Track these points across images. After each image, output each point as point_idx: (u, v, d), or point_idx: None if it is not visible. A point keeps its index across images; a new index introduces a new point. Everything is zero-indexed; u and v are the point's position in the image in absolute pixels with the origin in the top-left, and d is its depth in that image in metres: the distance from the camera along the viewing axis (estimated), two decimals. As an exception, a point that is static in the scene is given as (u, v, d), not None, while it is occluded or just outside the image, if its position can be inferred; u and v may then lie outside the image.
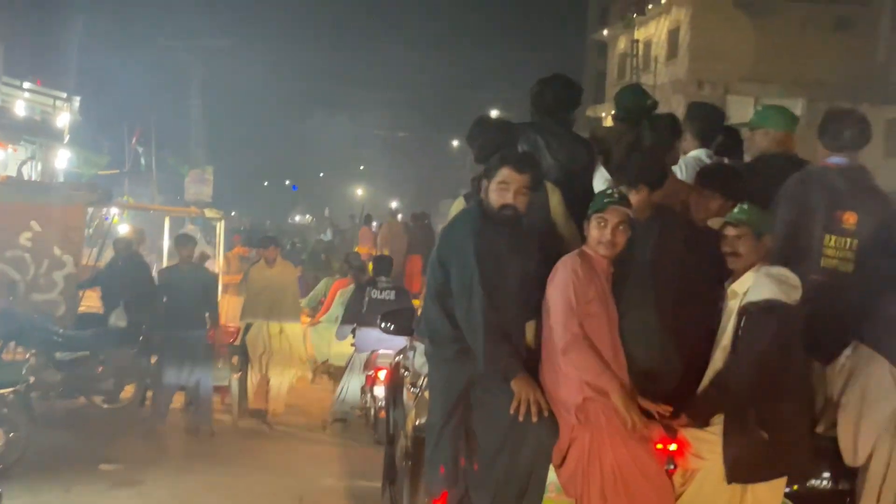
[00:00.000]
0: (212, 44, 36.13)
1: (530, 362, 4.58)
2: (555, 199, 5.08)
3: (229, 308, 13.15)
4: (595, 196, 4.70)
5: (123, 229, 14.97)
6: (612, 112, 6.08)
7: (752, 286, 4.48)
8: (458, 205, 5.43)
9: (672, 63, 34.67)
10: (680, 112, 6.54)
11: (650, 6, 35.52)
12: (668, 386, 4.56)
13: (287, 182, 75.20)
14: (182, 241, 11.08)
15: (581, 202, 4.82)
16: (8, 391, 8.36)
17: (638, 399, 4.36)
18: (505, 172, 4.66)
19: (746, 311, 4.45)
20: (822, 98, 32.11)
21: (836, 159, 5.07)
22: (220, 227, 14.95)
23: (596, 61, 46.45)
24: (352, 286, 13.04)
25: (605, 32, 41.04)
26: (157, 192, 21.09)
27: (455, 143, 54.75)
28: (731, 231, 4.63)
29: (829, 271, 4.94)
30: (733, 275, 4.65)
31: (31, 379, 9.09)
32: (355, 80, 52.94)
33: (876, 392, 4.59)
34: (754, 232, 4.58)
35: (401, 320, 7.15)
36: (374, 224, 25.33)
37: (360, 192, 63.80)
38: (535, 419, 4.37)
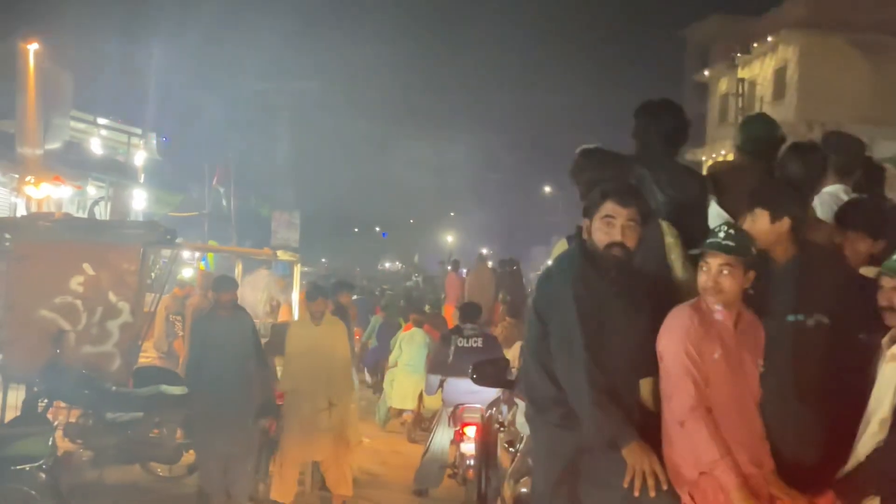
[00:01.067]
0: (301, 85, 35.61)
1: (649, 427, 4.06)
2: (670, 239, 4.51)
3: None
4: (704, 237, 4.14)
5: (188, 273, 13.86)
6: (736, 144, 5.32)
7: None
8: (561, 247, 4.93)
9: (779, 104, 33.01)
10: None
11: (755, 44, 33.88)
12: (811, 461, 4.08)
13: (377, 229, 76.70)
14: (221, 285, 8.81)
15: (698, 243, 4.22)
16: (30, 466, 7.15)
17: (773, 481, 3.89)
18: (609, 206, 4.21)
19: None
20: (942, 141, 30.46)
21: None
22: (297, 272, 13.66)
23: (695, 104, 44.96)
24: (415, 331, 13.04)
25: (707, 73, 39.43)
26: (235, 235, 20.09)
27: (547, 188, 53.78)
28: (889, 282, 4.04)
29: None
30: (892, 332, 3.99)
31: (59, 451, 7.85)
32: (446, 123, 52.30)
33: None
34: None
35: (492, 370, 6.59)
36: (463, 270, 24.31)
37: (449, 238, 63.54)
38: (652, 493, 3.89)
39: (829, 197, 5.23)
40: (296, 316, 12.00)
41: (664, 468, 3.95)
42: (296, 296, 13.45)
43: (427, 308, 13.67)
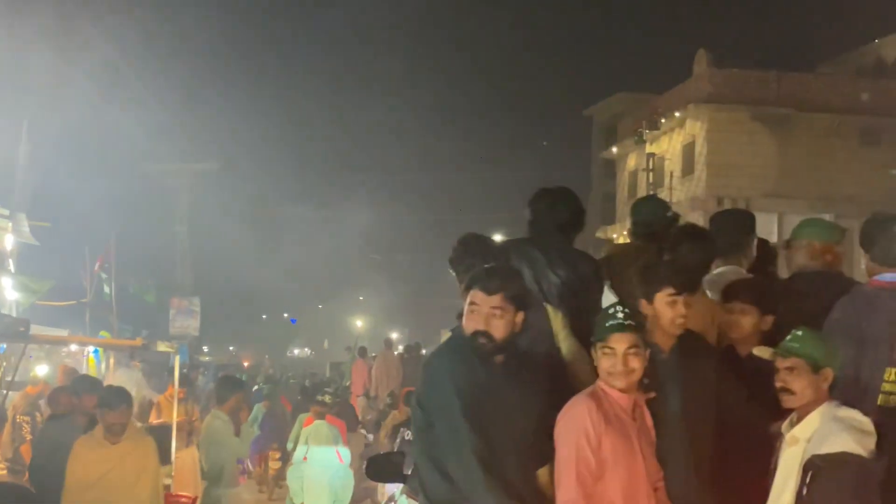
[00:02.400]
0: (197, 167, 34.06)
1: None
2: (557, 323, 4.53)
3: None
4: (597, 320, 4.04)
5: (43, 370, 12.20)
6: (627, 228, 5.65)
7: (819, 433, 3.86)
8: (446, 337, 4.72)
9: (689, 179, 32.75)
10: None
11: (663, 120, 33.67)
12: None
13: (286, 315, 74.59)
14: (107, 400, 6.80)
15: (591, 326, 4.16)
16: None
17: None
18: (473, 294, 4.10)
19: (814, 465, 3.78)
20: (851, 215, 30.34)
21: (890, 276, 4.45)
22: (176, 364, 11.91)
23: (604, 181, 44.85)
24: (319, 423, 12.36)
25: (614, 150, 39.19)
26: (117, 323, 18.38)
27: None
28: (783, 363, 4.02)
29: (890, 411, 4.27)
30: (790, 415, 4.04)
31: None
32: (353, 204, 51.26)
33: None
34: (811, 364, 3.94)
35: (385, 463, 5.95)
36: (373, 356, 23.57)
37: (359, 323, 62.45)
38: None
39: (719, 277, 5.18)
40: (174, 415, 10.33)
41: None
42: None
43: (327, 398, 12.61)
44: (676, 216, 5.60)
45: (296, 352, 74.88)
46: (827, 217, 30.11)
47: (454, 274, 4.77)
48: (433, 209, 61.66)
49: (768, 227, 31.53)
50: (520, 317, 4.11)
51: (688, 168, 32.99)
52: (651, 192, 32.93)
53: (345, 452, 12.50)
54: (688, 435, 4.17)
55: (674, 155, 33.90)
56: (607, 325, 3.93)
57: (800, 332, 4.06)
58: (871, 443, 3.82)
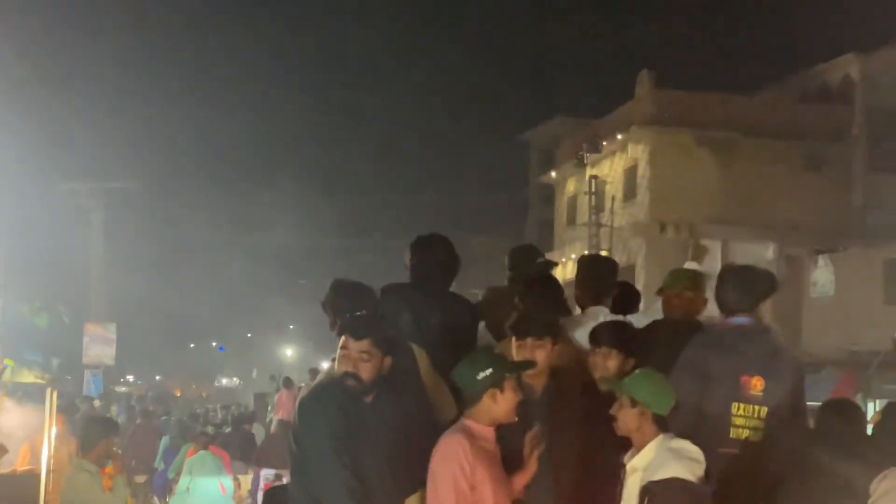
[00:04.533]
0: (114, 186, 31.96)
1: None
2: (422, 363, 4.89)
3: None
4: (490, 359, 4.41)
5: None
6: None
7: (653, 462, 4.27)
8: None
9: (630, 203, 31.73)
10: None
11: (604, 143, 32.65)
12: None
13: (214, 343, 73.48)
14: None
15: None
16: None
17: None
18: (343, 339, 4.51)
19: (649, 490, 4.21)
20: (796, 242, 29.64)
21: (738, 319, 4.97)
22: (51, 399, 10.08)
23: (541, 208, 43.79)
24: (203, 454, 12.68)
25: (553, 174, 38.05)
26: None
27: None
28: (619, 396, 4.43)
29: (739, 442, 4.79)
30: (631, 448, 4.44)
31: None
32: (280, 228, 49.60)
33: None
34: (630, 400, 4.37)
35: (283, 497, 5.76)
36: (299, 387, 22.19)
37: (289, 352, 60.84)
38: None
39: (590, 315, 5.55)
40: (42, 461, 8.51)
41: None
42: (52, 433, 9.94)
43: (210, 428, 13.77)
44: (548, 264, 6.02)
45: (224, 381, 73.01)
46: (771, 246, 29.85)
47: (328, 317, 5.13)
48: (365, 234, 60.12)
49: (712, 255, 30.69)
50: (387, 360, 4.52)
51: (630, 192, 31.96)
52: (593, 217, 31.99)
53: (227, 483, 12.70)
54: (553, 465, 4.52)
55: (615, 179, 32.87)
56: (516, 361, 4.53)
57: (633, 374, 4.49)
58: (700, 469, 4.24)
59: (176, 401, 31.86)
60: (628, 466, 4.39)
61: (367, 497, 4.30)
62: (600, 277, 5.85)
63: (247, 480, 14.08)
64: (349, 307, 4.84)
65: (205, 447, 13.06)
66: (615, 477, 4.46)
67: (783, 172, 29.91)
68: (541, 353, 4.66)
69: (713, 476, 4.33)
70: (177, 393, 42.39)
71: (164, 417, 20.19)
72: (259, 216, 65.49)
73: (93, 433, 6.94)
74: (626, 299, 5.94)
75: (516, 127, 55.98)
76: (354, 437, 4.37)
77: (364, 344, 4.43)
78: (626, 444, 4.46)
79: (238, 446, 15.79)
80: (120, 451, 7.33)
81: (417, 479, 4.36)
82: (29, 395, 13.05)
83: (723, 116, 30.02)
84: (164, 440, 16.15)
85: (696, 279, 5.56)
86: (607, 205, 32.10)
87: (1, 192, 23.83)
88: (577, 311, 5.83)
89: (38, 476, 7.90)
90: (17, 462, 9.59)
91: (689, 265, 6.22)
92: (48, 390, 10.06)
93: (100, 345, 31.18)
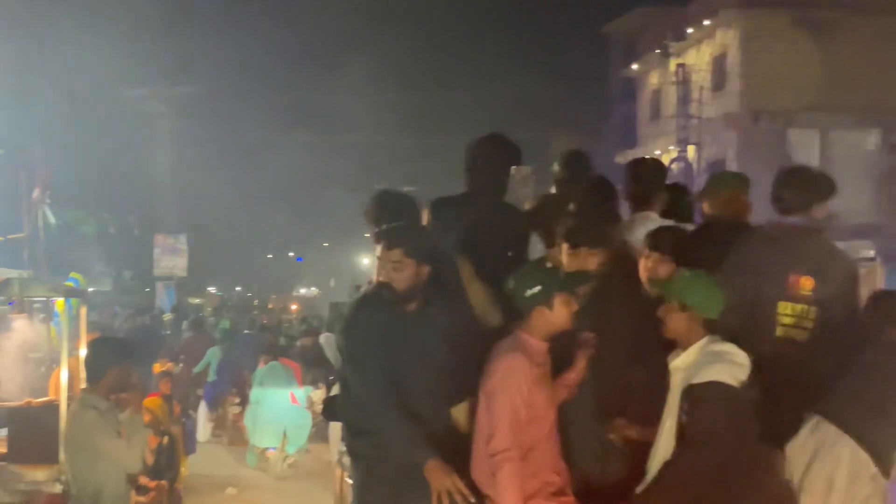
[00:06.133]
0: (181, 92, 30.85)
1: (459, 450, 4.42)
2: (465, 273, 4.90)
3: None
4: (541, 275, 4.41)
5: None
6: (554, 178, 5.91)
7: (694, 364, 4.28)
8: None
9: (721, 94, 29.77)
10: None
11: (690, 30, 30.56)
12: (617, 476, 4.57)
13: (291, 254, 73.12)
14: None
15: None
16: None
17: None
18: (379, 250, 4.58)
19: (689, 392, 4.21)
20: (901, 128, 27.58)
21: (790, 219, 4.91)
22: (82, 315, 8.71)
23: (622, 103, 41.88)
24: (273, 364, 12.93)
25: (635, 67, 36.05)
26: (46, 262, 15.51)
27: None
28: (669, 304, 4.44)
29: (786, 341, 4.73)
30: (677, 347, 4.45)
31: None
32: (356, 130, 48.30)
33: (846, 479, 4.42)
34: (679, 304, 4.36)
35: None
36: None
37: (366, 261, 60.41)
38: None
39: (639, 220, 5.46)
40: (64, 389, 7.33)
41: (465, 485, 4.21)
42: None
43: (281, 340, 13.44)
44: (592, 170, 5.90)
45: (302, 291, 73.27)
46: (874, 132, 27.62)
47: (368, 226, 5.08)
48: (444, 129, 58.47)
49: (810, 146, 28.77)
50: (424, 269, 4.53)
51: (719, 82, 29.98)
52: (680, 109, 30.15)
53: (299, 394, 12.73)
54: (601, 368, 4.58)
55: (703, 69, 30.82)
56: (568, 277, 4.46)
57: (682, 276, 4.47)
58: (742, 373, 4.21)
59: (250, 312, 31.10)
60: (671, 366, 4.43)
61: (409, 405, 4.37)
62: (650, 181, 5.70)
63: (318, 395, 13.33)
64: (389, 219, 4.82)
65: (275, 358, 13.07)
66: (663, 379, 4.48)
67: (887, 53, 27.65)
68: (593, 262, 4.73)
69: (759, 375, 4.29)
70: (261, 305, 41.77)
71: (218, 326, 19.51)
72: (334, 117, 64.49)
73: (100, 359, 5.63)
74: (677, 203, 5.86)
75: (598, 20, 53.45)
76: (396, 346, 4.47)
77: (396, 253, 4.47)
78: (675, 347, 4.48)
79: (312, 358, 15.12)
80: (138, 381, 6.03)
81: (464, 389, 4.52)
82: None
83: (820, -7, 27.73)
84: (212, 351, 15.76)
85: (739, 181, 5.52)
86: (694, 95, 30.20)
87: (65, 102, 22.99)
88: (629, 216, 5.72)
89: (58, 409, 6.86)
90: (49, 391, 8.46)
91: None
92: (57, 303, 8.94)
93: (171, 256, 30.51)
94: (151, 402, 8.75)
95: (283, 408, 12.56)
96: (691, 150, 30.03)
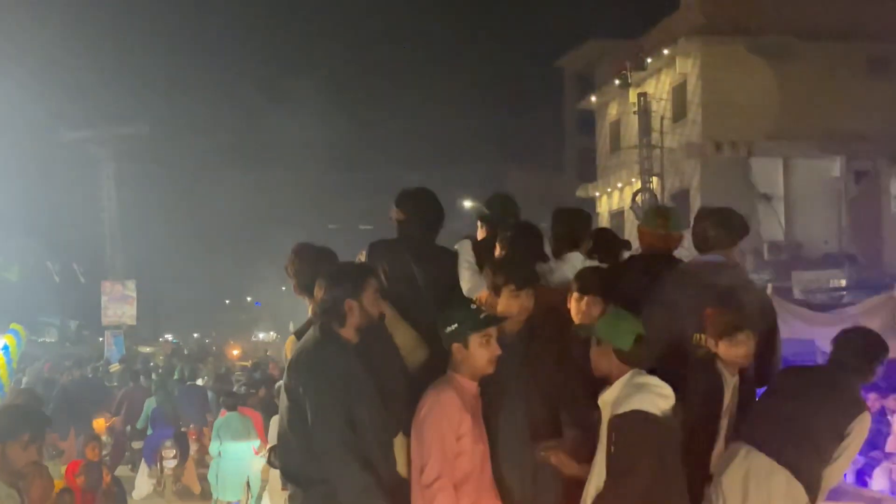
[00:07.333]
0: (121, 133, 29.54)
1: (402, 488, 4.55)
2: (389, 315, 4.91)
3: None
4: (459, 314, 4.59)
5: None
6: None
7: (618, 397, 4.40)
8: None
9: (681, 124, 29.25)
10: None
11: (649, 60, 30.13)
12: None
13: (249, 298, 72.91)
14: None
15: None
16: None
17: None
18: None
19: (612, 424, 4.36)
20: (864, 154, 27.18)
21: (708, 257, 5.23)
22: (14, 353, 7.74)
23: (578, 137, 41.51)
24: (230, 416, 12.53)
25: (593, 99, 35.53)
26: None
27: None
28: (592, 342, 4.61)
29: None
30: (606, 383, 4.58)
31: None
32: (307, 166, 47.51)
33: None
34: (596, 339, 4.52)
35: None
36: None
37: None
38: None
39: (566, 261, 5.53)
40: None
41: None
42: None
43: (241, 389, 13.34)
44: (517, 211, 5.96)
45: (261, 336, 72.39)
46: (837, 160, 27.17)
47: (288, 277, 5.19)
48: (400, 163, 57.76)
49: (773, 175, 28.27)
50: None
51: (680, 111, 29.48)
52: (641, 140, 29.68)
53: (259, 445, 12.22)
54: (531, 411, 4.73)
55: (663, 97, 30.36)
56: (483, 316, 4.56)
57: (601, 321, 4.58)
58: (666, 403, 4.34)
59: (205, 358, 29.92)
60: (600, 401, 4.51)
61: (364, 449, 4.39)
62: (574, 224, 5.90)
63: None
64: (310, 272, 4.93)
65: (232, 408, 12.74)
66: (595, 418, 4.56)
67: (846, 78, 27.39)
68: (519, 304, 4.81)
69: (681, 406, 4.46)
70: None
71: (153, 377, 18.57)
72: (284, 155, 63.67)
73: (13, 422, 4.57)
74: (602, 245, 5.91)
75: (552, 53, 53.23)
76: (356, 389, 4.47)
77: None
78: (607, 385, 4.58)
79: (271, 405, 14.24)
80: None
81: (398, 422, 4.62)
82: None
83: (777, 20, 27.30)
84: (149, 402, 15.28)
85: (670, 216, 5.62)
86: (655, 126, 29.71)
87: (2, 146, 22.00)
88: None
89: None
90: None
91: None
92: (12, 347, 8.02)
93: (119, 303, 29.27)
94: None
95: (244, 459, 12.26)
96: (655, 182, 29.48)
